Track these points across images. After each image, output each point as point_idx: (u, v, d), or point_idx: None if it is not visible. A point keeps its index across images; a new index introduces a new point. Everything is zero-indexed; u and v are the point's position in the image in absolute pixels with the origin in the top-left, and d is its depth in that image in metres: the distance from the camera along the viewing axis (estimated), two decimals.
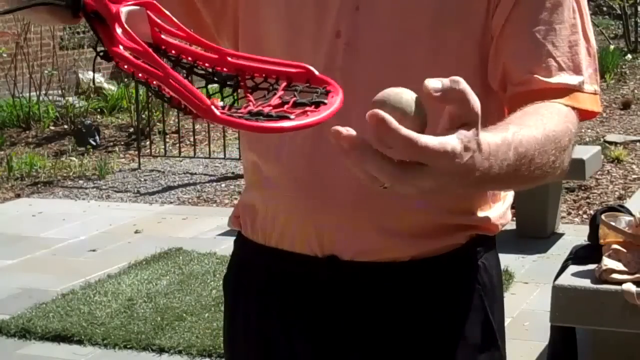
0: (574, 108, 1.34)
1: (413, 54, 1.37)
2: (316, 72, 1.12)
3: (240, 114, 1.03)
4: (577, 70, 1.36)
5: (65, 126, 9.50)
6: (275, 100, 1.07)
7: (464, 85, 1.00)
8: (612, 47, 11.70)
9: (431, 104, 1.01)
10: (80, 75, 11.15)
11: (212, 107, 1.00)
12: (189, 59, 1.15)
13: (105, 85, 11.16)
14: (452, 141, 1.00)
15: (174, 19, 1.16)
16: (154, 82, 1.06)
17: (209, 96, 1.09)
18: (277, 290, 1.49)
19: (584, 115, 1.36)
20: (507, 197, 1.53)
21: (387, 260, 1.41)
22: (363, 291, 1.43)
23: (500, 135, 1.12)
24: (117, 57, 1.06)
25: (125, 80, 10.02)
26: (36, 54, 10.48)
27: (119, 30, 1.07)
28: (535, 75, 1.34)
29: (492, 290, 1.49)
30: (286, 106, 1.05)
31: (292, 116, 1.02)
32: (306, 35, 1.41)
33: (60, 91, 10.20)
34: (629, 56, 11.94)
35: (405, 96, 1.02)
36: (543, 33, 1.35)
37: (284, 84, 1.11)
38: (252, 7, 1.47)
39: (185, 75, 1.13)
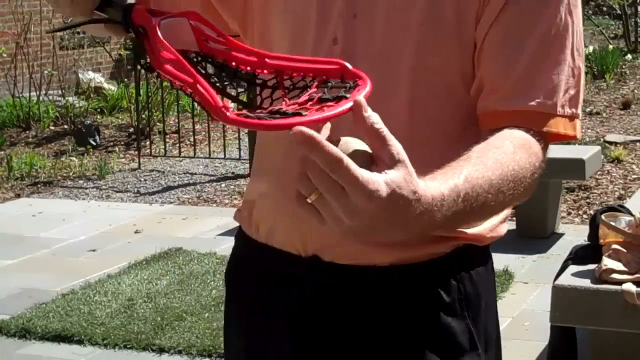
0: (545, 133, 1.31)
1: (404, 64, 1.37)
2: (349, 67, 1.14)
3: (258, 114, 1.06)
4: (553, 92, 1.31)
5: (65, 126, 9.50)
6: (303, 98, 1.10)
7: (379, 125, 1.04)
8: (612, 47, 11.70)
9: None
10: (80, 75, 11.15)
11: (223, 109, 1.04)
12: (233, 64, 1.20)
13: (105, 85, 11.16)
14: (377, 179, 1.02)
15: (215, 26, 1.21)
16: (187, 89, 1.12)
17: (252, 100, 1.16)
18: (265, 287, 1.51)
19: (559, 137, 1.34)
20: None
21: (367, 265, 1.41)
22: (343, 292, 1.43)
23: (450, 182, 1.13)
24: (159, 69, 1.14)
25: (125, 80, 10.02)
26: (36, 54, 10.48)
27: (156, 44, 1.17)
28: (508, 97, 1.31)
29: (477, 301, 1.46)
30: (310, 103, 1.08)
31: (305, 112, 1.04)
32: (307, 42, 1.43)
33: (60, 91, 10.20)
34: (629, 56, 11.94)
35: (357, 145, 1.06)
36: (524, 50, 1.32)
37: (316, 81, 1.14)
38: (266, 10, 1.50)
39: (244, 84, 1.19)
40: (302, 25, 1.44)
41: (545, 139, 1.32)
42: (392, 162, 1.05)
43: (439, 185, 1.11)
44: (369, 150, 1.05)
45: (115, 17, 1.26)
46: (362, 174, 1.01)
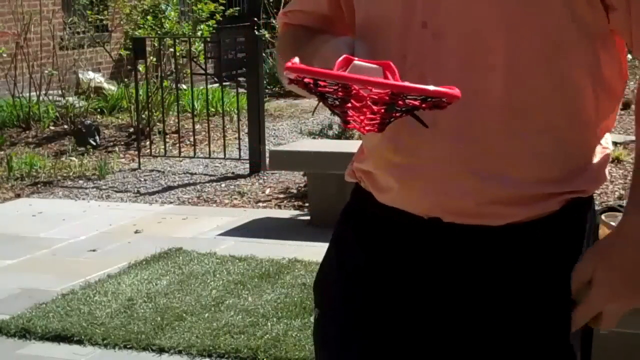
0: None
1: (497, 39, 1.47)
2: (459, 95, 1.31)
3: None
4: None
5: (65, 126, 9.50)
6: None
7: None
8: None
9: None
10: (80, 75, 11.15)
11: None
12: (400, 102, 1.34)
13: (105, 85, 11.17)
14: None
15: (394, 80, 1.37)
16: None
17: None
18: (384, 241, 1.61)
19: None
20: (602, 156, 1.59)
21: (485, 225, 1.53)
22: (462, 251, 1.55)
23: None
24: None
25: (125, 80, 10.02)
26: (36, 54, 10.48)
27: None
28: None
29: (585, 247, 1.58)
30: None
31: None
32: (393, 28, 1.54)
33: (60, 91, 10.20)
34: (629, 56, 11.92)
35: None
36: None
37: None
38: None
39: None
40: (388, 13, 1.55)
41: None
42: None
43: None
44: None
45: None
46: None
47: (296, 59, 1.34)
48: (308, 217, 6.11)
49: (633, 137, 6.72)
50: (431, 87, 1.29)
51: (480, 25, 1.48)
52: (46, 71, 10.26)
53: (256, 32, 8.54)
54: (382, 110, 1.31)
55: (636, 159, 1.50)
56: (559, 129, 1.51)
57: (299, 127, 9.50)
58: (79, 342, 4.17)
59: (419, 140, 1.51)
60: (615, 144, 7.61)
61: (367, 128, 1.34)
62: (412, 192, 1.56)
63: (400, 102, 1.31)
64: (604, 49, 1.53)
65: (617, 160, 7.06)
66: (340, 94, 1.31)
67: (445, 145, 1.50)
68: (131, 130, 9.23)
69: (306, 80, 1.32)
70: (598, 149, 1.58)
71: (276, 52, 1.80)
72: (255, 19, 9.60)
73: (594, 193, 1.59)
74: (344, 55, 1.41)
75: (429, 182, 1.53)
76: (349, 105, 1.32)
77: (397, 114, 1.33)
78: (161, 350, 4.05)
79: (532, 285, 1.53)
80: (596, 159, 1.57)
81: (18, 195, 7.28)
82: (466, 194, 1.51)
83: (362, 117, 1.33)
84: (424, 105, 1.32)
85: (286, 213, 6.40)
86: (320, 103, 1.38)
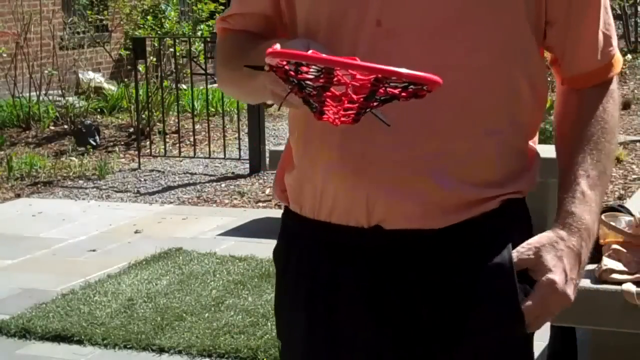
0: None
1: (453, 39, 1.47)
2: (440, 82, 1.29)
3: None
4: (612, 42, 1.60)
5: (65, 126, 9.50)
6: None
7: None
8: None
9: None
10: (80, 75, 11.15)
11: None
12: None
13: (105, 85, 11.17)
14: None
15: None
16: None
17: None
18: (326, 260, 1.59)
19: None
20: (537, 161, 1.63)
21: (427, 228, 1.52)
22: (407, 255, 1.54)
23: (586, 208, 1.53)
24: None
25: (125, 80, 10.03)
26: (36, 54, 10.48)
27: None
28: (598, 59, 1.57)
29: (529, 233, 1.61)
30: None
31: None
32: (344, 24, 1.51)
33: (60, 91, 10.20)
34: (629, 56, 11.94)
35: None
36: (599, 17, 1.56)
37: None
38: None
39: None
40: (338, 9, 1.52)
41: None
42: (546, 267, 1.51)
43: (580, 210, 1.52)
44: None
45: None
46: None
47: (277, 45, 1.32)
48: None
49: (633, 137, 6.70)
50: (420, 73, 1.27)
51: (441, 24, 1.47)
52: (46, 71, 10.26)
53: None
54: (361, 99, 1.29)
55: (562, 182, 1.57)
56: (503, 132, 1.53)
57: None
58: (79, 342, 4.17)
59: (370, 144, 1.50)
60: None
61: (342, 119, 1.32)
62: (356, 198, 1.53)
63: (381, 90, 1.28)
64: (541, 61, 1.59)
65: (617, 161, 7.06)
66: (321, 80, 1.28)
67: (398, 147, 1.49)
68: (131, 130, 9.23)
69: (287, 67, 1.29)
70: (533, 153, 1.63)
71: (216, 60, 1.75)
72: None
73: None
74: (312, 51, 1.36)
75: (377, 186, 1.51)
76: (329, 93, 1.29)
77: (375, 104, 1.31)
78: (161, 350, 4.05)
79: (482, 280, 1.53)
80: (532, 163, 1.62)
81: (18, 195, 7.28)
82: (415, 196, 1.50)
83: (339, 107, 1.30)
84: (404, 94, 1.30)
85: None
86: (289, 96, 1.34)
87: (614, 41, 1.60)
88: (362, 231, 1.54)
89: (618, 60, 1.61)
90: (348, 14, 1.51)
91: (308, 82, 1.29)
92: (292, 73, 1.30)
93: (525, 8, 1.50)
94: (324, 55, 1.30)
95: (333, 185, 1.55)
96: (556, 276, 1.50)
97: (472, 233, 1.54)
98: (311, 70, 1.28)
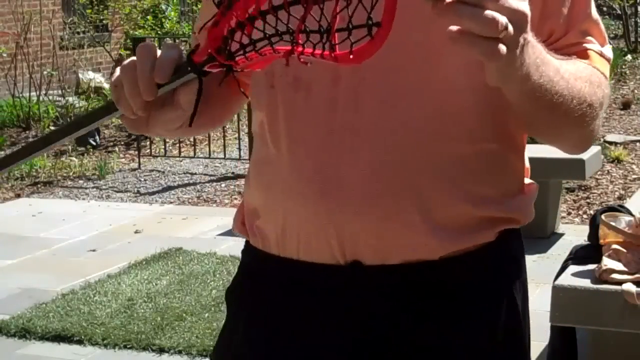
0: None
1: (413, 74, 1.34)
2: None
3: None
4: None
5: None
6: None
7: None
8: (611, 47, 11.69)
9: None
10: (80, 75, 11.15)
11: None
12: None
13: (105, 85, 11.16)
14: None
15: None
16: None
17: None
18: (295, 304, 1.41)
19: None
20: (531, 191, 1.52)
21: (417, 260, 1.35)
22: (395, 294, 1.37)
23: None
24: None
25: None
26: (36, 54, 10.48)
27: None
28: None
29: (522, 282, 1.56)
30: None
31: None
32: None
33: (60, 91, 10.20)
34: (629, 56, 11.94)
35: None
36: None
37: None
38: None
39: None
40: None
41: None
42: None
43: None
44: None
45: (185, 72, 1.24)
46: None
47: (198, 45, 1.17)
48: None
49: (633, 137, 6.73)
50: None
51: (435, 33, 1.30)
52: (46, 71, 10.27)
53: None
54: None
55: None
56: (490, 143, 1.39)
57: None
58: (79, 342, 4.17)
59: (348, 169, 1.32)
60: (615, 144, 7.61)
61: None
62: (330, 227, 1.33)
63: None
64: None
65: (617, 160, 7.06)
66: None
67: (382, 160, 1.32)
68: None
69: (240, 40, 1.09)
70: (527, 180, 1.50)
71: None
72: None
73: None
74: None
75: (357, 210, 1.32)
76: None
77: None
78: (161, 350, 4.05)
79: (478, 320, 1.43)
80: (527, 189, 1.50)
81: (18, 195, 7.28)
82: (401, 219, 1.33)
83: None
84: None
85: None
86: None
87: (596, 45, 1.50)
88: (338, 269, 1.35)
89: (597, 58, 1.48)
90: None
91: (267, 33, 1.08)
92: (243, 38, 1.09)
93: None
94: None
95: (295, 219, 1.37)
96: None
97: (469, 270, 1.41)
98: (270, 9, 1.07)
